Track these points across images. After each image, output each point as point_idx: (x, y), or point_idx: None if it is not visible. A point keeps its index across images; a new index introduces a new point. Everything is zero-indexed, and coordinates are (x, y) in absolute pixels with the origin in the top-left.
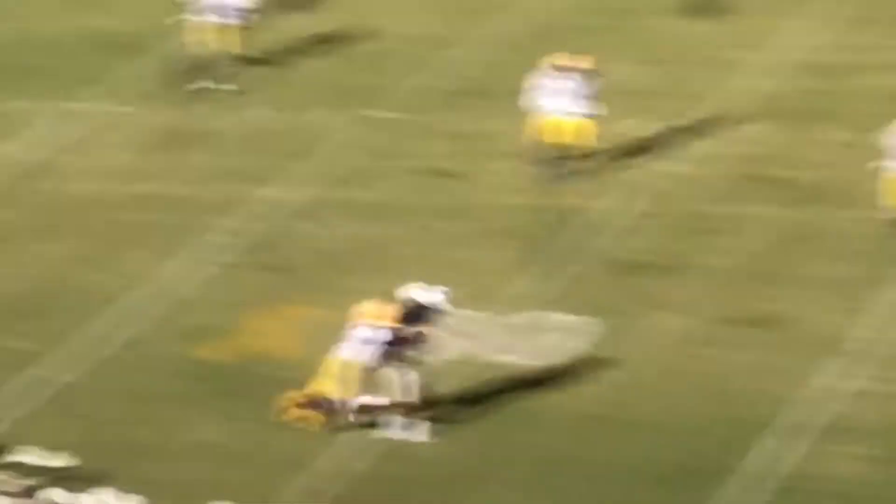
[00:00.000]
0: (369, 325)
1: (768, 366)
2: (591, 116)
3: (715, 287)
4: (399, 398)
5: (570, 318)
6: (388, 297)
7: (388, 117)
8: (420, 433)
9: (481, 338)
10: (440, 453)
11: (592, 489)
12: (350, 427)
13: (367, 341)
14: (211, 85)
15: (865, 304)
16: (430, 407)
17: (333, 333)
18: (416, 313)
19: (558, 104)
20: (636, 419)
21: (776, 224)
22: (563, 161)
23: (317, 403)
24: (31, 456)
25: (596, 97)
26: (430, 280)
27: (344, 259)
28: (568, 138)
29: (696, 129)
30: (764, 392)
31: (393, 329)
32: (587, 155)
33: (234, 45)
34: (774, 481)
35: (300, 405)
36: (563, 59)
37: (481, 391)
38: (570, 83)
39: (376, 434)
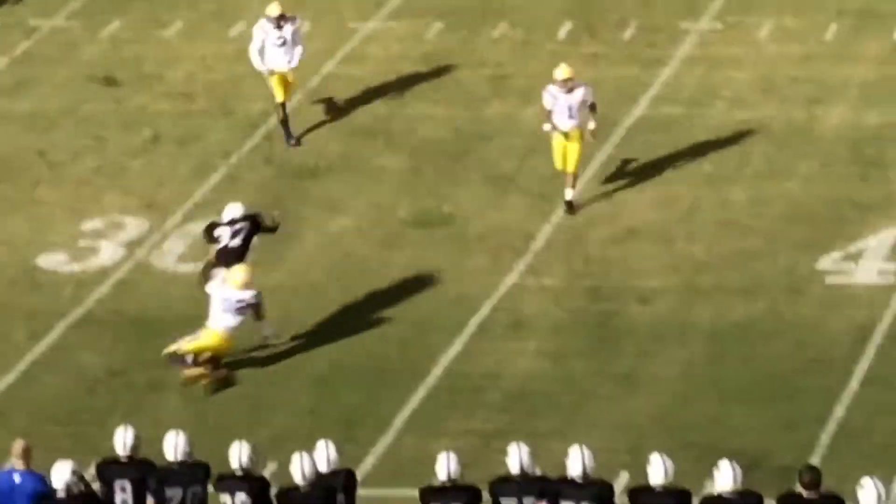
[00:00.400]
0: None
1: (447, 265)
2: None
3: (392, 188)
4: None
5: None
6: None
7: None
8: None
9: None
10: None
11: (302, 398)
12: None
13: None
14: None
15: (550, 201)
16: None
17: None
18: None
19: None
20: (313, 326)
21: (451, 123)
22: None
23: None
24: None
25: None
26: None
27: None
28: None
29: (369, 34)
30: (445, 292)
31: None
32: None
33: None
34: (463, 380)
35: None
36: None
37: None
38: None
39: None
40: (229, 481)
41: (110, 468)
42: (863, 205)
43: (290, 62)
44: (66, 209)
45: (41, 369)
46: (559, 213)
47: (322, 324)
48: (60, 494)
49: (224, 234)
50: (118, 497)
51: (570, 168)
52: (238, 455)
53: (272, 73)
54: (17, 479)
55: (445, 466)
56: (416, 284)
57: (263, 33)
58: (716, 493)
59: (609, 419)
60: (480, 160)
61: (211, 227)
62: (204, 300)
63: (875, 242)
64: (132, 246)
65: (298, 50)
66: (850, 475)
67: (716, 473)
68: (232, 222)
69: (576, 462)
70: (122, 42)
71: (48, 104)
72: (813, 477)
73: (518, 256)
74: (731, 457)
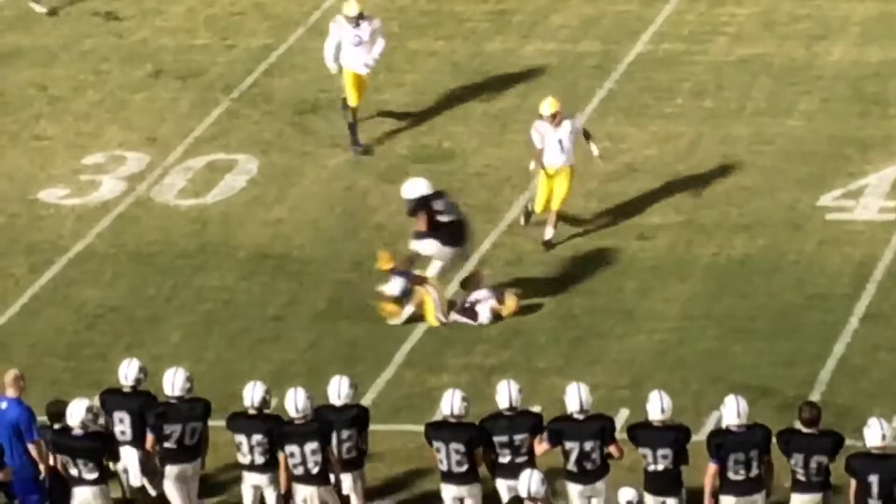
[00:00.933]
0: None
1: None
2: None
3: (392, 124)
4: None
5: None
6: None
7: None
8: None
9: None
10: None
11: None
12: None
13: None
14: None
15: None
16: None
17: None
18: None
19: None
20: (313, 262)
21: (451, 59)
22: None
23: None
24: None
25: None
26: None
27: None
28: None
29: None
30: None
31: None
32: None
33: None
34: None
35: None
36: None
37: None
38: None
39: None
40: (243, 421)
41: (112, 398)
42: (864, 142)
43: (366, 64)
44: (67, 144)
45: (42, 303)
46: None
47: (322, 259)
48: (77, 431)
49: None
50: (116, 428)
51: (555, 206)
52: (252, 394)
53: (347, 72)
54: (2, 405)
55: (450, 403)
56: (415, 219)
57: (340, 31)
58: (724, 427)
59: (609, 355)
60: (480, 96)
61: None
62: (203, 233)
63: (876, 179)
64: (133, 180)
65: (377, 50)
66: (850, 412)
67: (722, 408)
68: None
69: (573, 399)
70: None
71: (49, 39)
72: (812, 413)
73: (518, 192)
74: (732, 393)
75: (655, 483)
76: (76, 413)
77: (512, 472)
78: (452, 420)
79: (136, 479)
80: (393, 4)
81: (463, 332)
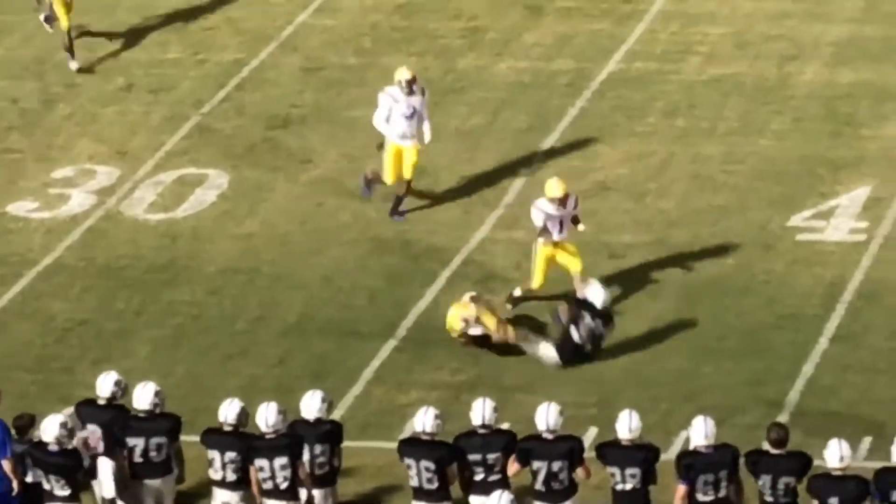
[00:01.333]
0: None
1: (418, 217)
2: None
3: (364, 140)
4: None
5: (203, 172)
6: None
7: None
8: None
9: None
10: None
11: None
12: None
13: None
14: None
15: (522, 155)
16: None
17: None
18: None
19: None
20: (284, 277)
21: (423, 75)
22: None
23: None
24: None
25: None
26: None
27: None
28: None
29: None
30: (416, 244)
31: None
32: None
33: None
34: (433, 332)
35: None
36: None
37: None
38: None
39: None
40: (217, 437)
41: (86, 410)
42: (835, 162)
43: (420, 139)
44: (37, 157)
45: (10, 316)
46: (531, 167)
47: (293, 274)
48: (52, 447)
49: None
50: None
51: (577, 267)
52: (227, 411)
53: (391, 146)
54: None
55: (422, 420)
56: (387, 236)
57: (391, 101)
58: (691, 448)
59: (579, 373)
60: (452, 113)
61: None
62: (172, 247)
63: (847, 200)
64: (103, 194)
65: (428, 125)
66: (818, 432)
67: (690, 429)
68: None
69: (541, 419)
70: None
71: (21, 52)
72: (780, 434)
73: (489, 209)
74: (701, 412)
75: (623, 502)
76: (50, 429)
77: (485, 490)
78: (425, 437)
79: (108, 491)
80: (365, 20)
81: (432, 348)
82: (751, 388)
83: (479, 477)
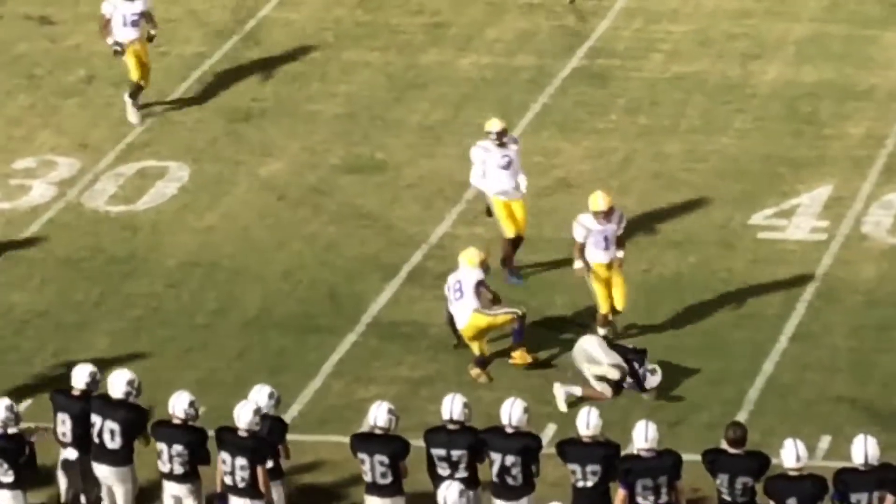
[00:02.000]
0: None
1: (379, 212)
2: None
3: (325, 134)
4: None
5: (164, 164)
6: None
7: None
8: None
9: None
10: None
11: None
12: None
13: None
14: None
15: None
16: None
17: None
18: None
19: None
20: (244, 270)
21: (385, 70)
22: None
23: None
24: None
25: None
26: None
27: None
28: None
29: None
30: (377, 239)
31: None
32: None
33: None
34: (392, 328)
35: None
36: None
37: None
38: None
39: None
40: (167, 429)
41: (58, 398)
42: (797, 161)
43: (519, 188)
44: None
45: None
46: None
47: (252, 268)
48: None
49: None
50: (58, 429)
51: (620, 304)
52: (175, 403)
53: (497, 202)
54: None
55: (374, 414)
56: (347, 231)
57: (484, 153)
58: (634, 452)
59: (536, 370)
60: (414, 108)
61: None
62: (132, 239)
63: (808, 199)
64: (64, 185)
65: (523, 176)
66: (777, 431)
67: (633, 432)
68: None
69: (504, 414)
70: None
71: None
72: (738, 433)
73: (450, 205)
74: (657, 410)
75: (583, 500)
76: None
77: None
78: (378, 432)
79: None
80: (328, 15)
81: (392, 343)
82: (710, 387)
83: (444, 472)
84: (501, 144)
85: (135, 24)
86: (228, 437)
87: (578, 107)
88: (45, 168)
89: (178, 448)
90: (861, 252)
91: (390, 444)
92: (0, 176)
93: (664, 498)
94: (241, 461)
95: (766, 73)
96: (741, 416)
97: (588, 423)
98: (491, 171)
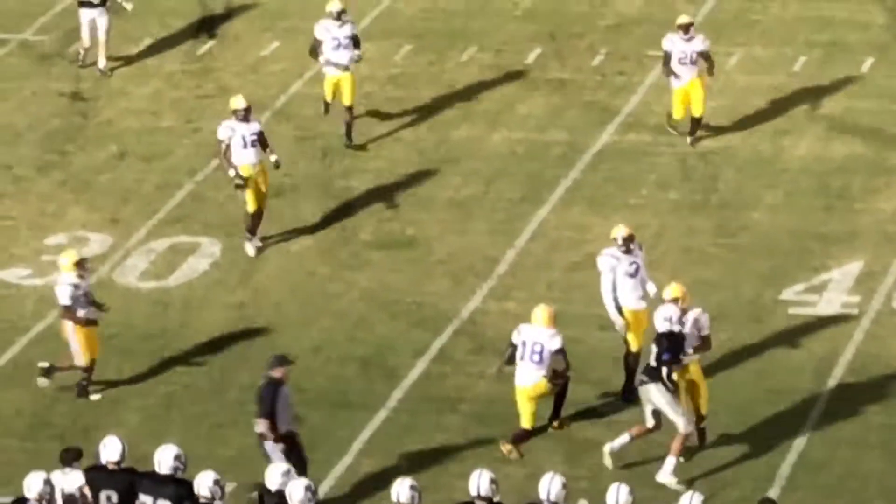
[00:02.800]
0: None
1: (409, 288)
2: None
3: (356, 209)
4: None
5: (196, 240)
6: None
7: None
8: None
9: None
10: None
11: None
12: None
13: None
14: None
15: (514, 226)
16: None
17: None
18: None
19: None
20: (275, 346)
21: (417, 146)
22: None
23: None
24: None
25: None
26: None
27: None
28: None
29: None
30: (408, 315)
31: None
32: None
33: None
34: (424, 403)
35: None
36: None
37: None
38: None
39: None
40: (150, 482)
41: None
42: (827, 237)
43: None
44: (30, 223)
45: (1, 383)
46: (523, 238)
47: (284, 344)
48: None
49: None
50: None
51: (704, 409)
52: (200, 482)
53: (628, 311)
54: None
55: (396, 491)
56: (378, 307)
57: (614, 262)
58: None
59: (568, 445)
60: (445, 184)
61: None
62: (164, 315)
63: (839, 275)
64: (95, 262)
65: (652, 285)
66: None
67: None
68: None
69: (543, 490)
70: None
71: (14, 118)
72: None
73: (481, 280)
74: (691, 486)
75: None
76: (34, 486)
77: None
78: None
79: None
80: (359, 90)
81: (422, 419)
82: (741, 462)
83: None
84: (628, 251)
85: (254, 144)
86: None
87: (609, 182)
88: (76, 244)
89: (162, 502)
90: (892, 327)
91: None
92: (32, 252)
93: None
94: None
95: (797, 148)
96: (773, 492)
97: (618, 499)
98: (620, 280)
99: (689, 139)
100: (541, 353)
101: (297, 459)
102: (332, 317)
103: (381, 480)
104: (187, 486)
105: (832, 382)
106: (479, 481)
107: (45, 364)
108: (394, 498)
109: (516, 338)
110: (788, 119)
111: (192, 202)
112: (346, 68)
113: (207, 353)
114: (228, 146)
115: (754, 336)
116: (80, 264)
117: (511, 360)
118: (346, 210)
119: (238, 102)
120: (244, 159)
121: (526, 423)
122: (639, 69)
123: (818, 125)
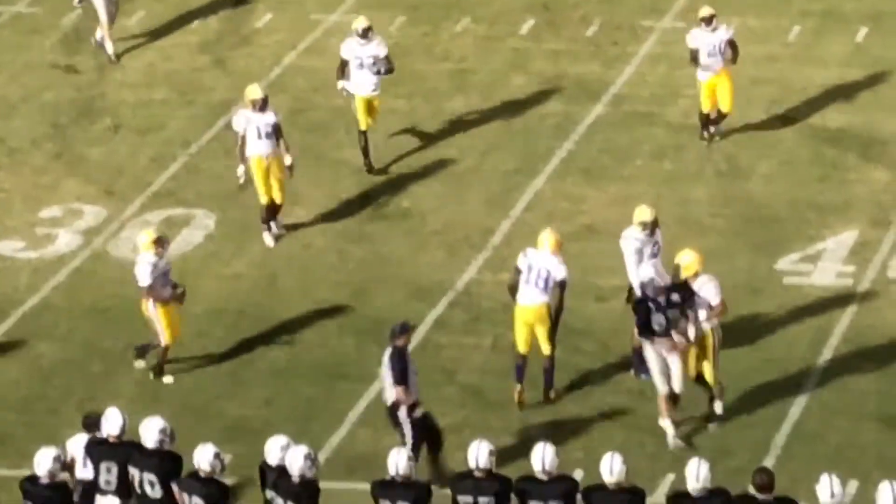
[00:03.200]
0: None
1: (405, 259)
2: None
3: (351, 182)
4: None
5: (190, 212)
6: None
7: None
8: None
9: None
10: None
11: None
12: None
13: None
14: None
15: (509, 197)
16: None
17: None
18: None
19: None
20: (271, 318)
21: (411, 117)
22: None
23: None
24: None
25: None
26: None
27: None
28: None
29: (331, 27)
30: (403, 286)
31: None
32: None
33: None
34: (419, 375)
35: None
36: None
37: None
38: None
39: None
40: (189, 481)
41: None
42: (822, 206)
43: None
44: (24, 196)
45: None
46: (518, 208)
47: (280, 316)
48: (44, 481)
49: None
50: (102, 477)
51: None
52: (199, 456)
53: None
54: None
55: (395, 462)
56: (373, 278)
57: (640, 244)
58: (684, 491)
59: (564, 417)
60: (440, 155)
61: None
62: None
63: (834, 244)
64: (89, 234)
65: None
66: (805, 477)
67: (686, 471)
68: None
69: (537, 459)
70: (83, 30)
71: (8, 90)
72: (766, 479)
73: (476, 251)
74: (685, 454)
75: None
76: (43, 462)
77: None
78: (399, 479)
79: None
80: None
81: (419, 390)
82: (737, 432)
83: None
84: (652, 233)
85: (269, 136)
86: (186, 481)
87: (604, 153)
88: (71, 217)
89: (196, 500)
90: (887, 297)
91: (412, 490)
92: (26, 225)
93: None
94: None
95: (792, 117)
96: (769, 462)
97: (612, 469)
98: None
99: (706, 133)
100: (546, 279)
101: (433, 431)
102: (327, 289)
103: (378, 452)
104: (172, 457)
105: (827, 352)
106: (478, 452)
107: (138, 345)
108: (392, 469)
109: (522, 261)
110: (783, 89)
111: (187, 174)
112: (373, 90)
113: (203, 325)
114: (244, 138)
115: (750, 306)
116: (159, 242)
117: (515, 289)
118: (340, 182)
119: (254, 92)
120: (257, 150)
121: (521, 347)
122: (633, 40)
123: (813, 95)
